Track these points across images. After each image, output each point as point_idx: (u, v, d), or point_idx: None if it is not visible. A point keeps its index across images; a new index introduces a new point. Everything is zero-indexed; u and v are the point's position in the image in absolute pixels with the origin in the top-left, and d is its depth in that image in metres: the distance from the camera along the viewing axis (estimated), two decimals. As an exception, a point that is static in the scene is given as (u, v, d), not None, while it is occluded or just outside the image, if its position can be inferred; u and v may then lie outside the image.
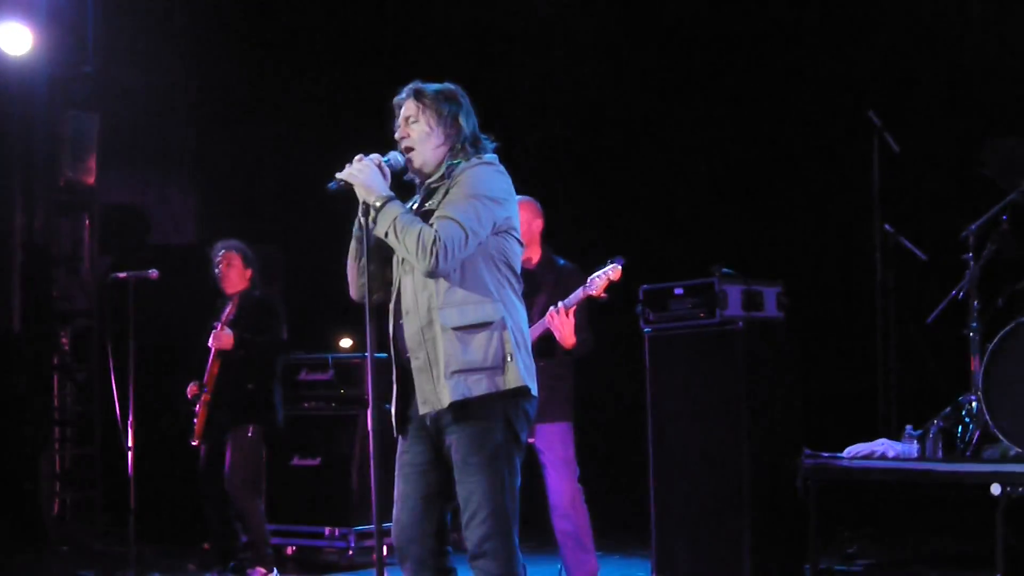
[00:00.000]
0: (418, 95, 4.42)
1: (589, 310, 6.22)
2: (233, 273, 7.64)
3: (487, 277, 4.31)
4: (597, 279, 5.98)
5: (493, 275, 4.32)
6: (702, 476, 6.81)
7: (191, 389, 7.49)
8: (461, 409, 4.22)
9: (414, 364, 4.31)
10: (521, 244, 4.47)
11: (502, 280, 4.35)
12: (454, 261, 4.22)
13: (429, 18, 9.89)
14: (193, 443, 7.52)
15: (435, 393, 4.25)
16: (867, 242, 8.09)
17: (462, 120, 4.42)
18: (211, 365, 7.45)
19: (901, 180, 8.16)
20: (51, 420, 9.67)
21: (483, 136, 4.48)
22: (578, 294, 6.01)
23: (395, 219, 4.24)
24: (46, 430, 9.57)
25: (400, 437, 4.43)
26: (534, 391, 4.33)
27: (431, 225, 4.22)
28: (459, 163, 4.39)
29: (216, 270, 7.68)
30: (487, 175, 4.36)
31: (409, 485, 4.38)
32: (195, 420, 7.49)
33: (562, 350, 6.10)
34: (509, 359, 4.25)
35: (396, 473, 4.42)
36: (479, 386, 4.22)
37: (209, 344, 7.40)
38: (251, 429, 7.41)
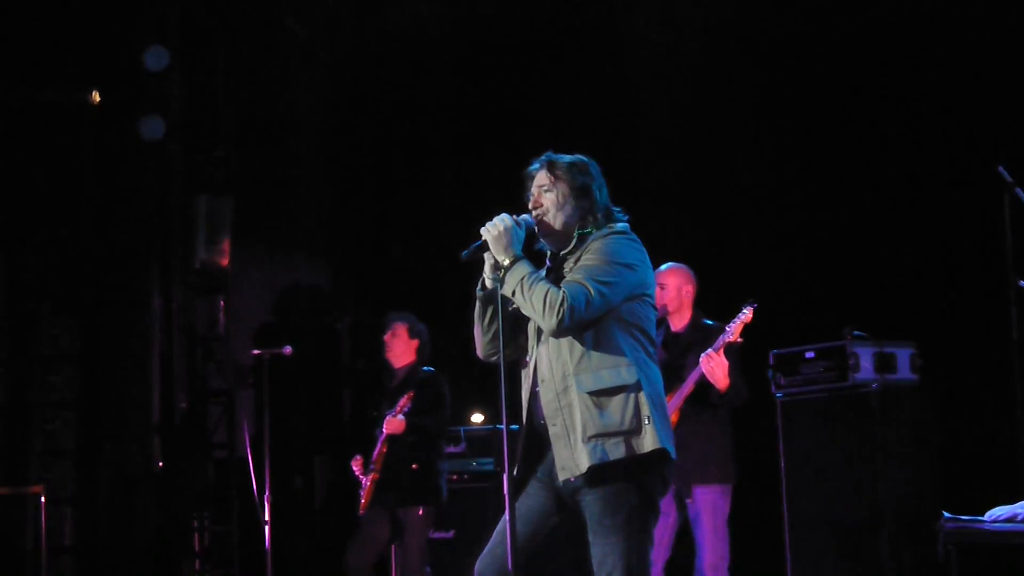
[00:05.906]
0: (551, 166, 4.51)
1: (738, 360, 6.28)
2: (398, 344, 7.67)
3: (621, 341, 4.35)
4: (734, 324, 6.17)
5: (627, 339, 4.37)
6: (838, 543, 6.72)
7: (357, 463, 7.54)
8: (598, 472, 4.25)
9: (551, 431, 4.37)
10: (655, 309, 4.51)
11: (636, 345, 4.39)
12: (580, 323, 4.28)
13: (555, 93, 9.95)
14: (360, 514, 7.55)
15: (573, 459, 4.31)
16: (1001, 300, 7.95)
17: (594, 191, 4.49)
18: (380, 445, 7.46)
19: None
20: (193, 498, 9.81)
21: (616, 209, 4.55)
22: (719, 342, 6.17)
23: (523, 278, 4.31)
24: (188, 509, 9.71)
25: (523, 490, 4.46)
26: (672, 454, 4.35)
27: (559, 287, 4.28)
28: (591, 232, 4.46)
29: (384, 341, 7.70)
30: (619, 243, 4.43)
31: (520, 527, 4.38)
32: (362, 493, 7.52)
33: (717, 395, 6.17)
34: (647, 422, 4.28)
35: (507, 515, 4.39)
36: (616, 450, 4.27)
37: (384, 429, 7.40)
38: (421, 509, 7.44)
